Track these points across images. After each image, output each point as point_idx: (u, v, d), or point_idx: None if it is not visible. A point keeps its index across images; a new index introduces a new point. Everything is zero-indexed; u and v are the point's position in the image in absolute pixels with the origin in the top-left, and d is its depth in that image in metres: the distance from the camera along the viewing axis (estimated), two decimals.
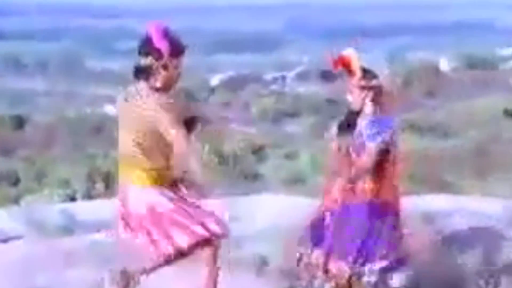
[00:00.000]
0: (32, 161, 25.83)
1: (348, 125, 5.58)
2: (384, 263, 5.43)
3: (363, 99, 5.52)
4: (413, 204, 6.85)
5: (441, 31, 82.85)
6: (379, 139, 5.41)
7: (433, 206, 8.06)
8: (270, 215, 7.53)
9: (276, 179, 19.82)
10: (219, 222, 5.35)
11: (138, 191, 5.25)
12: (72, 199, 16.80)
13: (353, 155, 5.50)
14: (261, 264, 6.76)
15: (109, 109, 48.51)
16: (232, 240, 7.48)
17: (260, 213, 7.99)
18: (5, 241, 7.70)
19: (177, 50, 5.27)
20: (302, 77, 58.86)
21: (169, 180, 5.33)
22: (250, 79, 57.31)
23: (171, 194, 5.29)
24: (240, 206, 9.63)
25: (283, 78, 59.26)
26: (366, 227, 5.44)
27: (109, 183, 19.32)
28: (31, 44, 74.84)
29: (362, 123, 5.49)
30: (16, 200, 16.63)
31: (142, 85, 5.25)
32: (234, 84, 55.63)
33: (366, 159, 5.41)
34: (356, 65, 5.47)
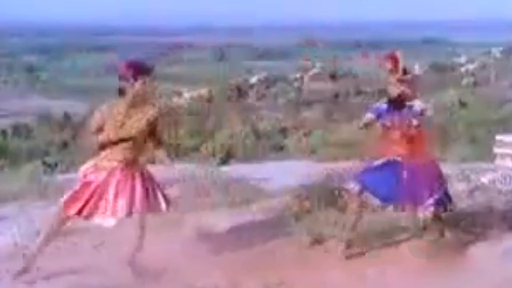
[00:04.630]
0: None
1: (393, 108, 5.53)
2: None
3: (402, 89, 5.50)
4: None
5: (414, 45, 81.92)
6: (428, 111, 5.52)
7: None
8: (292, 175, 7.49)
9: (296, 150, 19.70)
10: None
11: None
12: (152, 162, 16.80)
13: (404, 127, 5.49)
14: (286, 209, 6.75)
15: (176, 100, 48.72)
16: (266, 193, 7.50)
17: (285, 174, 7.96)
18: None
19: (138, 72, 5.15)
20: (315, 77, 58.69)
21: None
22: (278, 79, 57.29)
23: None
24: (270, 169, 9.62)
25: (302, 78, 59.05)
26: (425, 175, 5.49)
27: (178, 152, 19.33)
28: (125, 55, 75.00)
29: (407, 104, 5.48)
30: None
31: (120, 100, 5.20)
32: (267, 82, 55.68)
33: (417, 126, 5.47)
34: (400, 64, 5.48)
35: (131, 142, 5.17)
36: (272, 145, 21.82)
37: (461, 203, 6.68)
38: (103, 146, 5.18)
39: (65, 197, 5.16)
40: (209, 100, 50.28)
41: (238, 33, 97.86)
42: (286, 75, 59.67)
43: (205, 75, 61.88)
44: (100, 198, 5.09)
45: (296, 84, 56.57)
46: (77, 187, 5.18)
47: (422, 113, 5.52)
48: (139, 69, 5.19)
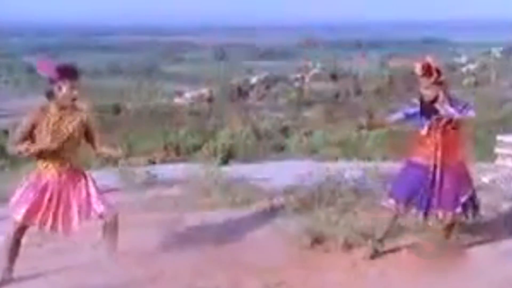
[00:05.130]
0: (126, 136, 25.97)
1: (429, 110, 5.42)
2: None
3: (438, 91, 5.38)
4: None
5: (415, 45, 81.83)
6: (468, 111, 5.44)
7: None
8: (293, 175, 7.48)
9: (297, 150, 19.71)
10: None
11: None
12: (153, 163, 16.86)
13: (439, 131, 5.41)
14: (287, 209, 6.75)
15: (177, 100, 48.66)
16: (267, 193, 7.51)
17: (286, 174, 7.95)
18: (107, 191, 7.73)
19: (66, 76, 5.04)
20: (316, 77, 58.62)
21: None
22: (279, 79, 57.32)
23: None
24: (271, 169, 9.62)
25: (302, 78, 59.00)
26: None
27: (179, 152, 19.38)
28: (125, 55, 75.06)
29: (444, 106, 5.37)
30: (115, 164, 16.72)
31: (50, 103, 5.11)
32: (268, 82, 55.69)
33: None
34: (435, 68, 5.37)
35: (68, 145, 5.11)
36: (273, 145, 21.84)
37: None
38: (41, 153, 5.09)
39: (16, 203, 5.11)
40: (210, 100, 50.30)
41: (239, 33, 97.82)
42: (287, 75, 59.76)
43: (206, 75, 62.00)
44: (49, 207, 5.08)
45: (297, 84, 56.63)
46: (27, 194, 5.11)
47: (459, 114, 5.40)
48: (67, 73, 5.06)
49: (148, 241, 5.60)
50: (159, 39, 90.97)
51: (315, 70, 61.24)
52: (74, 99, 5.09)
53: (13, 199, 5.16)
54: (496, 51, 62.72)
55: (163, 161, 17.96)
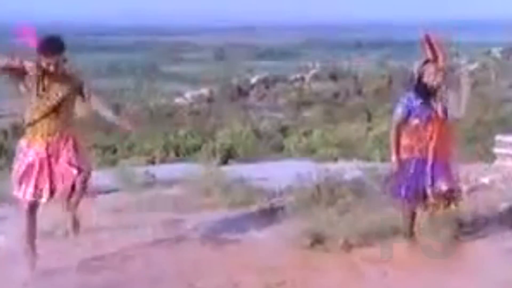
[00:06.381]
0: (126, 136, 25.98)
1: (426, 100, 5.25)
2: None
3: (442, 77, 5.23)
4: None
5: (415, 45, 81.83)
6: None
7: None
8: (292, 175, 7.48)
9: (296, 150, 19.71)
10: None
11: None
12: (153, 163, 16.88)
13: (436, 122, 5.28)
14: (286, 209, 6.74)
15: (178, 100, 48.64)
16: (267, 193, 7.50)
17: (285, 174, 7.95)
18: (107, 192, 7.73)
19: (52, 49, 4.93)
20: (315, 77, 58.62)
21: None
22: (279, 79, 57.38)
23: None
24: (271, 168, 9.62)
25: (302, 78, 59.04)
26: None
27: (178, 152, 19.38)
28: (125, 55, 75.03)
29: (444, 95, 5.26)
30: (114, 164, 16.74)
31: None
32: (268, 82, 55.74)
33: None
34: (444, 49, 5.14)
35: (56, 113, 5.00)
36: (272, 145, 21.85)
37: (461, 203, 6.68)
38: (33, 122, 5.01)
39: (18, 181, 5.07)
40: (210, 100, 50.31)
41: (238, 33, 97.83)
42: (286, 75, 59.77)
43: (206, 75, 62.00)
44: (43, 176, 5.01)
45: (296, 84, 56.67)
46: (22, 167, 5.05)
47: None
48: (54, 46, 4.96)
49: (148, 241, 5.59)
50: (159, 39, 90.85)
51: (315, 70, 61.27)
52: (61, 72, 4.94)
53: (14, 175, 5.10)
54: (496, 51, 62.72)
55: (163, 161, 17.97)
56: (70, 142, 5.07)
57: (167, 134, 21.87)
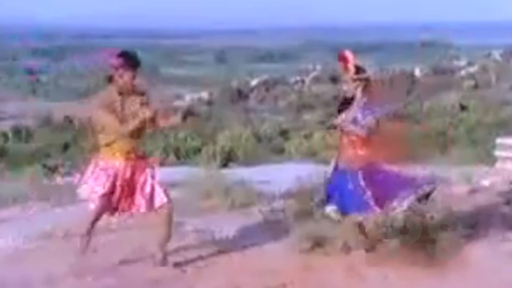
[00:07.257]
0: None
1: (344, 108, 5.37)
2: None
3: (356, 88, 5.33)
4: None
5: (414, 47, 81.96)
6: (369, 118, 5.29)
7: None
8: (292, 178, 7.48)
9: (297, 153, 19.69)
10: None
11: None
12: None
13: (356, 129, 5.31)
14: (287, 212, 6.73)
15: (178, 103, 48.71)
16: (267, 196, 7.50)
17: (286, 177, 7.95)
18: None
19: (128, 64, 5.08)
20: (316, 80, 58.66)
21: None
22: (279, 81, 57.42)
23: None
24: (271, 171, 9.62)
25: (302, 81, 59.07)
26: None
27: (179, 155, 19.35)
28: None
29: (355, 107, 5.31)
30: None
31: (109, 87, 5.15)
32: (268, 85, 55.77)
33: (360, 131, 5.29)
34: (351, 63, 5.25)
35: (135, 133, 5.14)
36: (272, 148, 21.82)
37: (462, 205, 6.69)
38: (111, 142, 5.11)
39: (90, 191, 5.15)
40: (210, 102, 50.33)
41: (239, 36, 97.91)
42: (286, 77, 59.81)
43: (206, 77, 62.05)
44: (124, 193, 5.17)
45: (296, 87, 56.67)
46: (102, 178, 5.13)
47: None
48: (129, 61, 5.10)
49: (148, 244, 5.59)
50: (159, 42, 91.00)
51: (315, 73, 61.29)
52: (133, 86, 5.12)
53: (85, 186, 5.18)
54: (496, 54, 62.68)
55: (163, 164, 17.92)
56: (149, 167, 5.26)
57: (167, 136, 21.82)
